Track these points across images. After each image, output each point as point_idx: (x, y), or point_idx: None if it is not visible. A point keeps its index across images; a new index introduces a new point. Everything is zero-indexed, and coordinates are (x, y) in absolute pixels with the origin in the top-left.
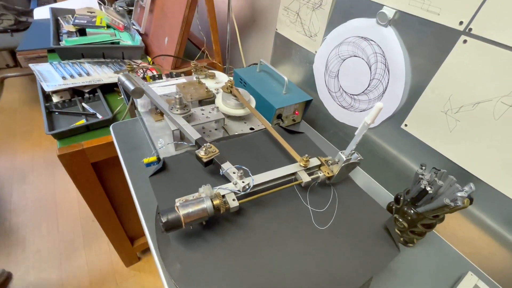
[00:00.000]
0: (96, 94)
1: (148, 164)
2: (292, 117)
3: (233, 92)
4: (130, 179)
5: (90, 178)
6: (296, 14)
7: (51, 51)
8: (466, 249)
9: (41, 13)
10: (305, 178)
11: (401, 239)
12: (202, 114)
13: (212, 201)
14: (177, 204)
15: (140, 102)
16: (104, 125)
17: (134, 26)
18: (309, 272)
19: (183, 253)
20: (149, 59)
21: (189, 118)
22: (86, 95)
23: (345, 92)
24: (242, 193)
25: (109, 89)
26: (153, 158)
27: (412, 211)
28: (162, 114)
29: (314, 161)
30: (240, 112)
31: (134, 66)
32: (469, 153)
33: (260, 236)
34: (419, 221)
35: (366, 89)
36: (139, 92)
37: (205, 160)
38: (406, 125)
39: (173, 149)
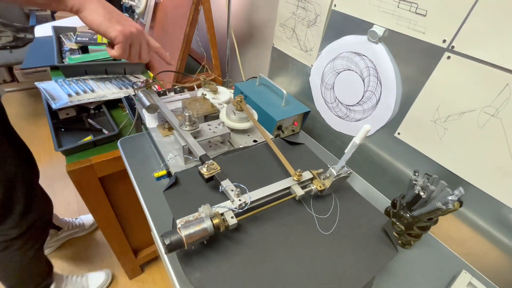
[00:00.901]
0: (101, 110)
1: (158, 178)
2: (291, 128)
3: (242, 107)
4: (140, 192)
5: (98, 192)
6: (292, 31)
7: (54, 68)
8: (460, 249)
9: (42, 30)
10: (298, 192)
11: (399, 241)
12: (209, 129)
13: (212, 220)
14: (179, 225)
15: (148, 118)
16: (110, 140)
17: None
18: (316, 274)
19: (202, 262)
20: (150, 74)
21: (197, 134)
22: (92, 111)
23: (341, 103)
24: (240, 210)
25: (113, 104)
26: (163, 172)
27: (408, 215)
28: (170, 129)
29: (307, 175)
30: (243, 125)
31: (150, 82)
32: (457, 159)
33: (270, 242)
34: (415, 224)
35: (360, 100)
36: (154, 108)
37: (206, 177)
38: (399, 133)
39: (182, 162)
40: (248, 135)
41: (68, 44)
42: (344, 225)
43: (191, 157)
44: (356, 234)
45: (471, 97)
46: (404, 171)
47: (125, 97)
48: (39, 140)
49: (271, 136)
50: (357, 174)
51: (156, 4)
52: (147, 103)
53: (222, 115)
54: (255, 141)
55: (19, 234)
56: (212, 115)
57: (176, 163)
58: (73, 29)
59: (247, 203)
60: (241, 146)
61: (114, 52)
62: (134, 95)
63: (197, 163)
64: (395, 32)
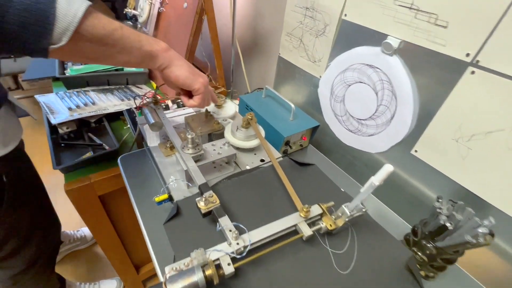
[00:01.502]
0: (102, 123)
1: (159, 203)
2: (300, 143)
3: (252, 125)
4: (141, 217)
5: (97, 210)
6: (299, 40)
7: (56, 79)
8: (487, 280)
9: None
10: (306, 231)
11: (421, 272)
12: (214, 150)
13: (204, 271)
14: (167, 276)
15: (149, 135)
16: (111, 156)
17: None
18: None
19: None
20: (153, 84)
21: (200, 157)
22: (93, 125)
23: (352, 116)
24: (238, 256)
25: (115, 116)
26: (164, 196)
27: (431, 245)
28: (172, 148)
29: (316, 209)
30: (250, 144)
31: (158, 97)
32: (484, 181)
33: (284, 283)
34: (439, 256)
35: (373, 115)
36: (158, 126)
37: (203, 212)
38: (416, 151)
39: (184, 186)
40: (255, 154)
41: None
42: (363, 261)
43: (191, 184)
44: (377, 272)
45: (499, 116)
46: (422, 190)
47: (126, 110)
48: (41, 149)
49: (278, 155)
50: (371, 193)
51: (159, 13)
52: (152, 121)
53: (227, 133)
54: (262, 160)
55: (29, 265)
56: (216, 133)
57: (179, 186)
58: None
59: (246, 247)
60: (247, 167)
61: (194, 102)
62: (135, 108)
63: None
64: (412, 44)
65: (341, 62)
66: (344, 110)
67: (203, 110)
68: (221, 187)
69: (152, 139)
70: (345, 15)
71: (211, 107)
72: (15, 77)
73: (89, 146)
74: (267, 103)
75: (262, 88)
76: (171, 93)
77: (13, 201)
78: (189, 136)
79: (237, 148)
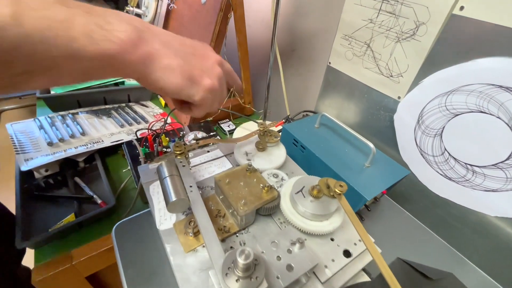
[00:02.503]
0: (93, 162)
1: None
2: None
3: (343, 207)
4: None
5: None
6: (365, 46)
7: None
8: None
9: None
10: None
11: None
12: (278, 257)
13: None
14: None
15: (158, 208)
16: (104, 215)
17: None
18: None
19: None
20: (161, 100)
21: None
22: (82, 164)
23: (455, 158)
24: None
25: (111, 149)
26: None
27: None
28: (197, 235)
29: None
30: (329, 227)
31: (185, 143)
32: None
33: None
34: None
35: (502, 162)
36: (182, 206)
37: None
38: None
39: None
40: (333, 240)
41: None
42: None
43: None
44: None
45: None
46: None
47: (126, 143)
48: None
49: (372, 239)
50: (491, 278)
51: (168, 12)
52: (173, 198)
53: (285, 207)
54: (347, 253)
55: None
56: (268, 207)
57: None
58: None
59: None
60: (327, 272)
61: (192, 113)
62: (137, 140)
63: None
64: None
65: (445, 80)
66: (440, 148)
67: (240, 158)
68: None
69: (163, 215)
70: (461, 8)
71: (248, 146)
72: None
73: (75, 199)
74: (324, 137)
75: (309, 112)
76: (183, 114)
77: None
78: (242, 261)
79: (301, 230)
